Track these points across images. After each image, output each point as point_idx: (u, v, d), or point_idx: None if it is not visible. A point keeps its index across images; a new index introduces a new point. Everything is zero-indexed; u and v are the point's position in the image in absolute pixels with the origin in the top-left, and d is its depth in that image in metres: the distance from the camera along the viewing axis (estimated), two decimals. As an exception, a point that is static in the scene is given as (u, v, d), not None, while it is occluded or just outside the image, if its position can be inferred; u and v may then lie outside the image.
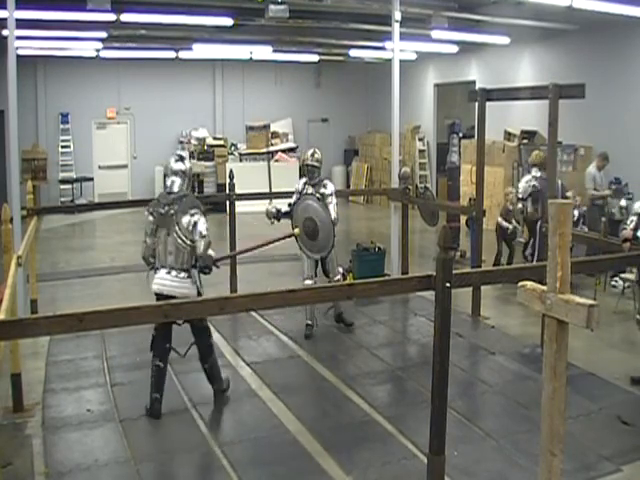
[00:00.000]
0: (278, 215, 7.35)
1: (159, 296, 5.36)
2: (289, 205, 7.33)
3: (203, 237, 5.29)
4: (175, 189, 5.49)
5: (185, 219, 5.33)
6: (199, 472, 4.81)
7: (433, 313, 4.07)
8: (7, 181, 10.58)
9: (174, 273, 5.37)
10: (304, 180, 7.44)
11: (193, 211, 5.36)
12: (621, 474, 4.59)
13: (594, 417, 5.41)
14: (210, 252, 5.38)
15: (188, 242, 5.34)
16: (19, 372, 5.53)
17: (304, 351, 6.99)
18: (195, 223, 5.32)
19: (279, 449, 4.96)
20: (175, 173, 5.53)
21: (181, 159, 5.62)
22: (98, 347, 6.98)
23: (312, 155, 7.36)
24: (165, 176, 6.03)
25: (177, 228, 5.34)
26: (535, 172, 9.24)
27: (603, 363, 6.52)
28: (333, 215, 7.10)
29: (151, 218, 5.50)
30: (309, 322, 7.39)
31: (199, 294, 5.41)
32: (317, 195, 7.15)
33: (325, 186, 7.28)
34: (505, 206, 10.36)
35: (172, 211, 5.37)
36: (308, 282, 7.19)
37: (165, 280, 5.38)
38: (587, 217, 9.96)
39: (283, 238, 7.18)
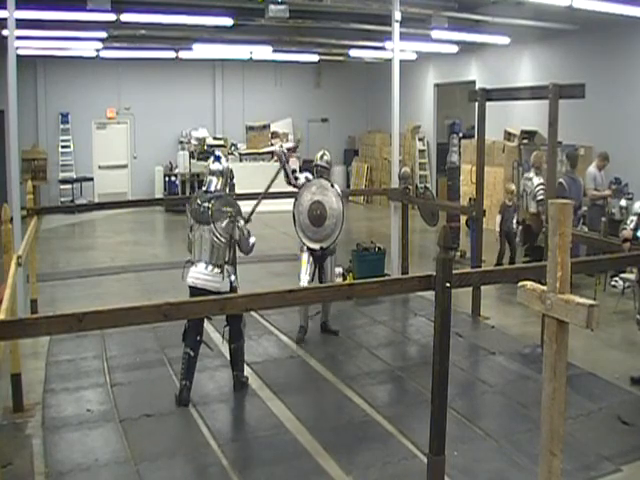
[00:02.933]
0: (286, 157, 7.20)
1: (193, 289, 5.61)
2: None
3: (243, 234, 5.68)
4: (212, 188, 5.77)
5: (221, 217, 5.60)
6: (199, 472, 4.81)
7: (433, 313, 4.08)
8: (7, 181, 10.60)
9: (209, 268, 5.62)
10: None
11: (229, 209, 5.64)
12: (621, 474, 4.59)
13: (594, 417, 5.41)
14: (251, 241, 5.77)
15: (223, 239, 5.61)
16: (19, 372, 5.53)
17: (304, 351, 6.99)
18: (230, 223, 5.62)
19: (279, 449, 4.96)
20: (212, 173, 5.83)
21: (218, 159, 5.93)
22: (98, 347, 6.98)
23: (322, 157, 7.30)
24: (204, 175, 6.31)
25: (213, 226, 5.60)
26: (532, 173, 9.28)
27: (603, 363, 6.52)
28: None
29: (189, 214, 5.79)
30: (303, 324, 7.32)
31: (232, 289, 5.64)
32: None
33: (333, 186, 7.19)
34: (504, 203, 10.28)
35: (208, 208, 5.62)
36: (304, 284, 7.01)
37: (199, 274, 5.62)
38: (587, 217, 9.95)
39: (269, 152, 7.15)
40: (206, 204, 5.66)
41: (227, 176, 5.91)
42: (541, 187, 9.09)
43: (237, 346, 5.92)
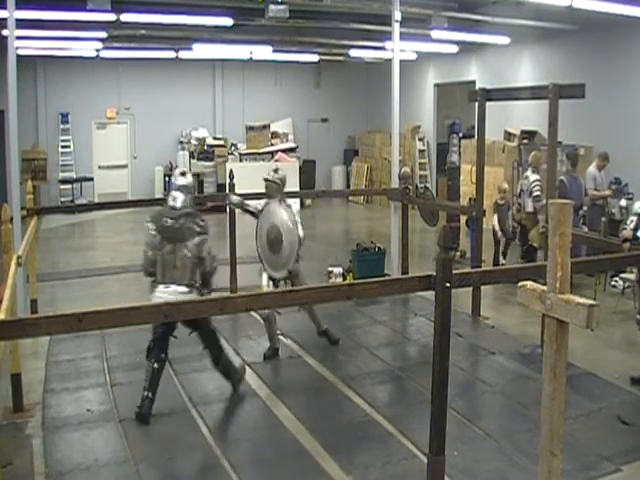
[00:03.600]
0: (242, 205, 6.95)
1: None
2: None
3: (209, 252, 5.52)
4: (178, 205, 5.55)
5: (193, 235, 5.44)
6: (199, 472, 4.81)
7: (433, 313, 4.07)
8: (7, 181, 10.60)
9: (178, 287, 5.42)
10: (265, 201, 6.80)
11: (200, 229, 5.49)
12: (621, 474, 4.59)
13: (594, 417, 5.41)
14: (215, 264, 5.62)
15: (193, 257, 5.42)
16: (19, 372, 5.53)
17: (304, 351, 6.99)
18: (203, 240, 5.47)
19: (279, 449, 4.96)
20: (178, 189, 5.60)
21: (183, 174, 5.74)
22: (98, 347, 6.98)
23: (276, 171, 6.77)
24: (168, 192, 6.11)
25: (185, 244, 5.42)
26: (529, 172, 9.29)
27: (603, 363, 6.52)
28: (300, 232, 6.60)
29: (153, 231, 5.51)
30: (275, 346, 6.85)
31: None
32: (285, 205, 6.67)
33: (289, 206, 6.77)
34: (496, 202, 10.22)
35: (178, 226, 5.45)
36: (266, 310, 6.43)
37: (167, 294, 5.35)
38: (588, 217, 9.95)
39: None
40: (177, 222, 5.45)
41: (193, 192, 5.74)
42: (536, 183, 9.08)
43: (223, 365, 5.72)
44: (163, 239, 5.46)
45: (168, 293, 5.39)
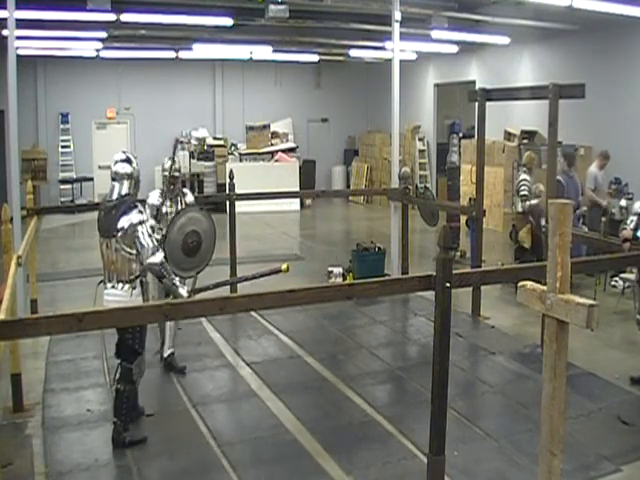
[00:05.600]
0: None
1: None
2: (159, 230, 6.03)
3: (143, 246, 4.78)
4: (114, 195, 4.91)
5: (120, 226, 4.80)
6: (199, 472, 4.81)
7: (433, 313, 4.07)
8: (7, 181, 10.60)
9: (117, 287, 4.92)
10: (158, 193, 6.45)
11: (129, 217, 4.80)
12: (621, 474, 4.59)
13: (594, 417, 5.41)
14: (153, 260, 4.79)
15: (131, 250, 4.84)
16: (19, 372, 5.53)
17: (304, 351, 6.99)
18: (133, 228, 4.79)
19: (279, 449, 4.96)
20: (116, 177, 4.94)
21: (127, 161, 4.98)
22: (98, 347, 6.98)
23: (171, 167, 6.34)
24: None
25: (114, 238, 4.84)
26: (522, 172, 9.26)
27: (603, 363, 6.52)
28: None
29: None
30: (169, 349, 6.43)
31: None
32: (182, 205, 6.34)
33: (185, 195, 6.54)
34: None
35: (109, 217, 4.85)
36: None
37: (109, 296, 4.95)
38: (588, 217, 9.94)
39: (269, 274, 5.36)
40: (108, 214, 4.84)
41: (137, 179, 4.98)
42: (524, 183, 8.95)
43: (123, 388, 4.93)
44: (99, 234, 4.96)
45: (108, 294, 4.96)
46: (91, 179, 17.43)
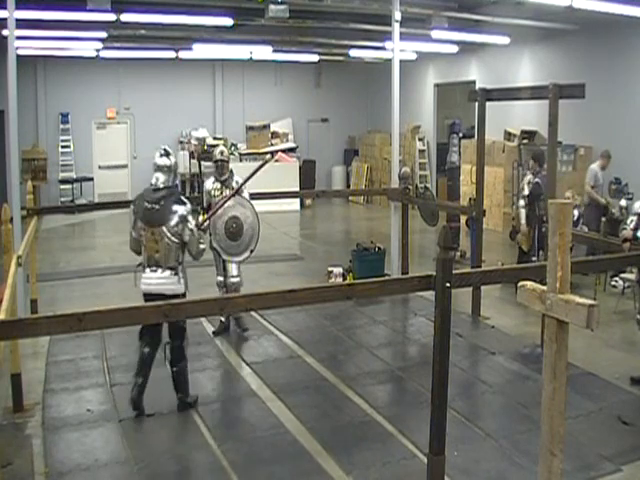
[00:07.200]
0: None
1: (147, 296, 5.31)
2: (203, 210, 6.98)
3: (193, 234, 5.33)
4: (160, 185, 5.39)
5: (172, 217, 5.28)
6: (199, 472, 4.81)
7: (433, 313, 4.07)
8: (7, 181, 10.60)
9: (160, 271, 5.32)
10: (212, 179, 7.27)
11: (179, 208, 5.31)
12: (621, 474, 4.59)
13: (594, 417, 5.41)
14: (201, 247, 5.42)
15: (175, 239, 5.30)
16: (19, 372, 5.53)
17: (304, 351, 6.99)
18: (183, 219, 5.29)
19: (279, 449, 4.96)
20: (159, 169, 5.42)
21: (166, 155, 5.49)
22: (98, 347, 6.98)
23: (221, 153, 7.25)
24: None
25: (164, 227, 5.27)
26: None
27: (603, 363, 6.52)
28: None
29: (133, 214, 5.46)
30: (222, 319, 7.37)
31: (184, 294, 5.38)
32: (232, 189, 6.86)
33: (232, 179, 7.15)
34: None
35: (158, 208, 5.29)
36: (220, 279, 7.24)
37: (152, 279, 5.34)
38: (585, 217, 9.93)
39: (260, 168, 6.70)
40: (156, 205, 5.30)
41: (175, 171, 5.52)
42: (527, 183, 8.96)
43: (179, 369, 5.51)
44: (144, 222, 5.33)
45: (148, 278, 5.35)
46: (91, 179, 17.44)
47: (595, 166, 10.37)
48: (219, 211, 6.39)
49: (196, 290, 5.74)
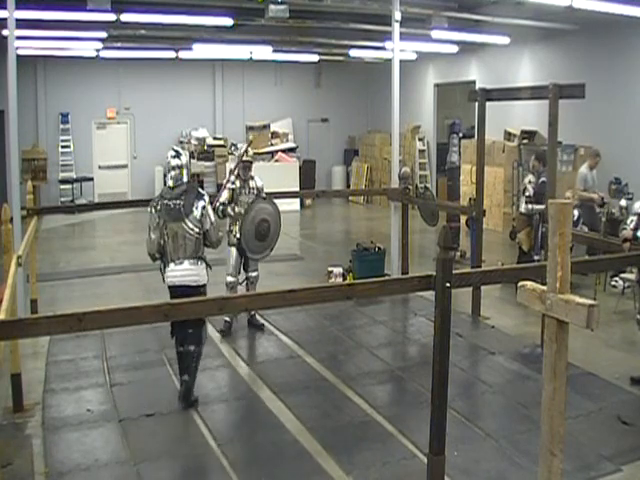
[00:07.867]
0: (225, 211, 7.29)
1: (173, 288, 5.58)
2: (227, 204, 7.31)
3: (212, 224, 5.68)
4: (178, 183, 5.68)
5: (195, 209, 5.58)
6: (199, 472, 4.81)
7: (433, 313, 4.07)
8: (7, 181, 10.59)
9: (185, 263, 5.57)
10: (233, 178, 7.42)
11: (200, 201, 5.63)
12: (621, 474, 4.59)
13: (594, 417, 5.41)
14: (220, 234, 5.83)
15: (196, 230, 5.59)
16: (19, 372, 5.53)
17: (304, 351, 6.99)
18: (204, 210, 5.62)
19: (279, 449, 4.96)
20: (173, 169, 5.69)
21: (177, 155, 5.75)
22: (98, 347, 6.98)
23: (247, 152, 7.49)
24: (165, 174, 6.23)
25: (187, 220, 5.56)
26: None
27: (603, 363, 6.52)
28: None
29: (155, 214, 5.66)
30: (227, 319, 7.45)
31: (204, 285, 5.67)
32: (255, 191, 7.36)
33: (254, 178, 7.44)
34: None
35: (180, 203, 5.58)
36: (230, 279, 7.36)
37: (176, 272, 5.58)
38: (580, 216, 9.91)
39: (247, 149, 7.47)
40: (177, 201, 5.59)
41: (189, 168, 5.84)
42: (529, 184, 8.93)
43: (193, 350, 5.65)
44: (166, 220, 5.59)
45: (173, 271, 5.59)
46: (91, 179, 17.43)
47: (584, 168, 10.25)
48: (251, 213, 6.93)
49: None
